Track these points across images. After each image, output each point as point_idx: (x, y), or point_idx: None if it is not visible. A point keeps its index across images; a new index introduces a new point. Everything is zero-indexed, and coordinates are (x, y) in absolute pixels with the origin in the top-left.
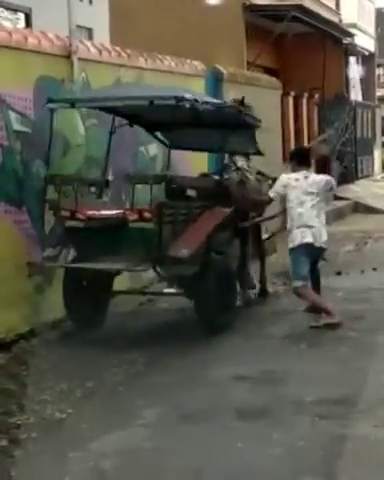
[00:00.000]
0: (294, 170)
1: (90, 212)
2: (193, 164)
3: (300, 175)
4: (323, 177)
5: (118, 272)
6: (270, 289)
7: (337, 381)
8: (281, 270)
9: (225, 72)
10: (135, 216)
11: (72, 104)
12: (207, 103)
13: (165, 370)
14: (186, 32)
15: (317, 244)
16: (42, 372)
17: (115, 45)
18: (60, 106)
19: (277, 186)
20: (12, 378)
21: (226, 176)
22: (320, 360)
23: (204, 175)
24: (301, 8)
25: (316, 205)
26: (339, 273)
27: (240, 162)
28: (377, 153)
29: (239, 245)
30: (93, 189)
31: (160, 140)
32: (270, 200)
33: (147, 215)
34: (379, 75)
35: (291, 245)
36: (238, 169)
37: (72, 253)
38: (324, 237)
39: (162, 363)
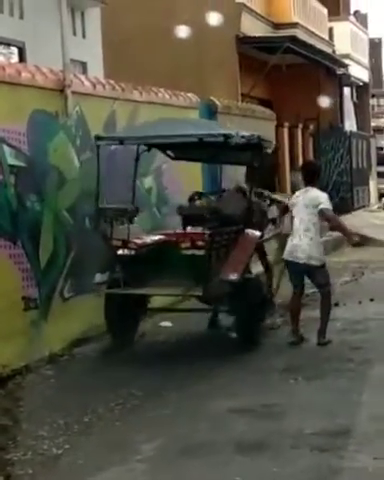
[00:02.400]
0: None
1: (140, 241)
2: (188, 186)
3: (301, 191)
4: (318, 193)
5: None
6: (268, 321)
7: (335, 413)
8: (279, 302)
9: (219, 104)
10: (188, 244)
11: (121, 141)
12: (243, 137)
13: (162, 404)
14: (180, 65)
15: (289, 258)
16: (38, 407)
17: (109, 78)
18: (108, 143)
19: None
20: (8, 414)
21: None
22: (318, 392)
23: (198, 194)
24: (294, 39)
25: (307, 219)
26: (336, 304)
27: (244, 184)
28: (373, 183)
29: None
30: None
31: (167, 154)
32: (286, 208)
33: (200, 243)
34: (373, 105)
35: None
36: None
37: (124, 278)
38: (301, 252)
39: (159, 396)
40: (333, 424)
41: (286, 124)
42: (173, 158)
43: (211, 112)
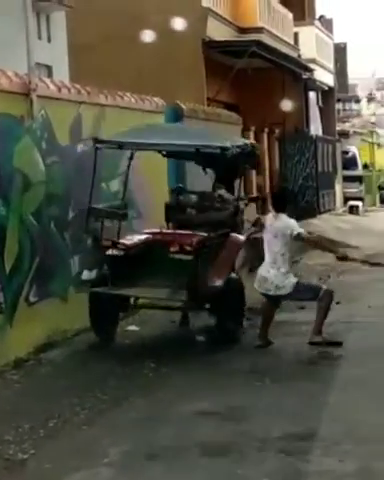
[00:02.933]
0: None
1: (129, 242)
2: (154, 189)
3: (271, 217)
4: (286, 222)
5: None
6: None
7: (302, 416)
8: (246, 306)
9: (185, 108)
10: (176, 248)
11: (120, 146)
12: (238, 147)
13: (129, 407)
14: (146, 69)
15: (259, 289)
16: (3, 412)
17: (75, 82)
18: (107, 147)
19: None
20: None
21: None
22: (285, 395)
23: (180, 189)
24: (260, 44)
25: (275, 250)
26: (303, 307)
27: (222, 190)
28: (338, 187)
29: None
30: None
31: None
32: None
33: (189, 248)
34: (339, 110)
35: None
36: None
37: (111, 277)
38: (267, 283)
39: (125, 400)
40: (299, 427)
41: (252, 128)
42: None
43: (177, 116)
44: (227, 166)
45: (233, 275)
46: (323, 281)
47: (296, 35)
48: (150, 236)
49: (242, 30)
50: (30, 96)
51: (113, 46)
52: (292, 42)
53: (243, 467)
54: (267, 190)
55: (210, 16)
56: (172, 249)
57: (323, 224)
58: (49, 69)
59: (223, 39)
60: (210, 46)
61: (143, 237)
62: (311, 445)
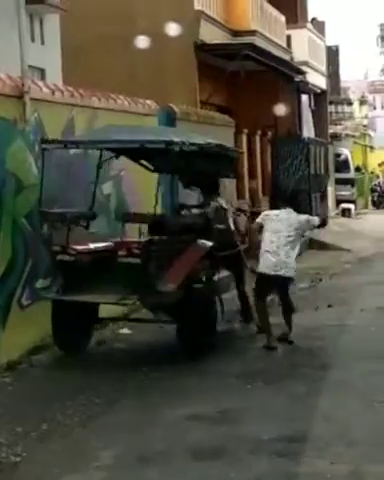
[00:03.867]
0: (278, 207)
1: (80, 247)
2: (146, 192)
3: (283, 212)
4: (305, 216)
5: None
6: (225, 326)
7: (293, 418)
8: (238, 308)
9: (178, 111)
10: (124, 252)
11: (65, 145)
12: (193, 144)
13: (121, 411)
14: (139, 72)
15: (272, 273)
16: None
17: (68, 85)
18: (53, 147)
19: (260, 217)
20: None
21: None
22: (276, 397)
23: (181, 206)
24: (252, 47)
25: (290, 239)
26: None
27: (219, 200)
28: (331, 190)
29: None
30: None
31: (144, 166)
32: (259, 227)
33: (136, 251)
34: (331, 112)
35: (257, 269)
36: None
37: (63, 284)
38: (285, 268)
39: (117, 404)
40: (291, 429)
41: (245, 131)
42: (152, 169)
43: (170, 119)
44: (195, 169)
45: (198, 285)
46: (314, 284)
47: (288, 38)
48: (110, 244)
49: (235, 33)
50: (23, 99)
51: (106, 49)
52: (284, 45)
53: (235, 470)
54: (260, 194)
55: (203, 19)
56: (120, 253)
57: None
58: (42, 72)
59: (216, 42)
60: (203, 49)
61: (99, 244)
62: (302, 447)
